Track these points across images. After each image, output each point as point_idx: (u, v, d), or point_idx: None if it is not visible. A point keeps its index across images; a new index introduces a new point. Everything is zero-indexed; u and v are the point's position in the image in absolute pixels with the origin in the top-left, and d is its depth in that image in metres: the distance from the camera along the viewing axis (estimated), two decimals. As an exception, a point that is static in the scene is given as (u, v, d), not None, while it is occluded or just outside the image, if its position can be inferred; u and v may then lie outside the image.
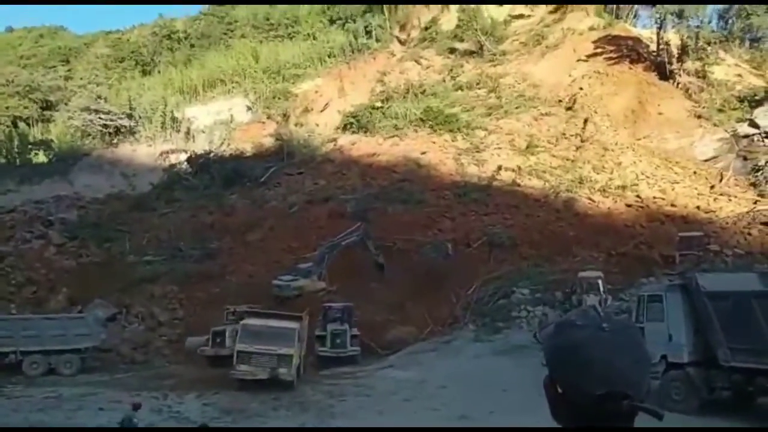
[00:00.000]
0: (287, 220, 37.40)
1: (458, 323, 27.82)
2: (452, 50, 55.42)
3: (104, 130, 56.76)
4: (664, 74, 46.88)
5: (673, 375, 15.70)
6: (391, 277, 30.50)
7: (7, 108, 62.39)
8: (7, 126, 61.29)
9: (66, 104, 61.32)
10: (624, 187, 37.66)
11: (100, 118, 56.54)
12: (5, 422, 16.64)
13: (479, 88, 49.69)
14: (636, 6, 57.13)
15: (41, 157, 56.46)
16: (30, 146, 57.99)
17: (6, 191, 45.94)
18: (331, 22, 69.01)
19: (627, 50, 49.60)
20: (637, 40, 51.48)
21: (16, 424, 16.34)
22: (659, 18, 48.49)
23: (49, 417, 17.26)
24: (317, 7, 72.31)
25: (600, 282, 24.78)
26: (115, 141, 56.83)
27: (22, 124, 61.76)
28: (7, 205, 42.53)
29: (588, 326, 1.47)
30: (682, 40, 47.27)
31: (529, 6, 58.79)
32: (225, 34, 73.88)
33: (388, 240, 32.61)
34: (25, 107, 62.93)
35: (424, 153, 42.46)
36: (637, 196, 36.87)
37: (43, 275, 33.92)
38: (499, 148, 42.18)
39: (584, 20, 54.16)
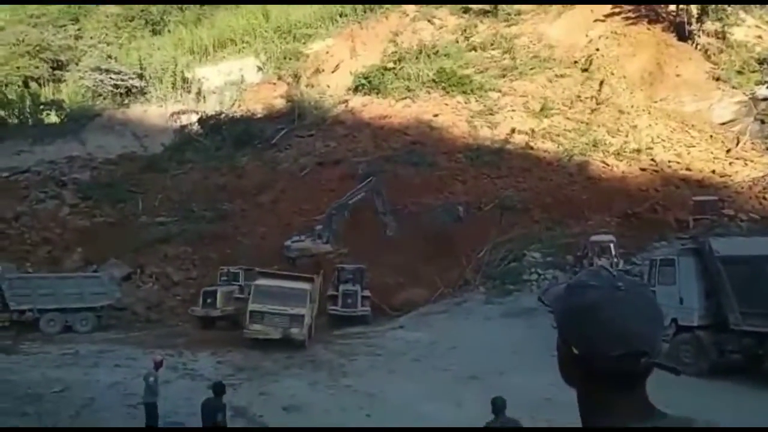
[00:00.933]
0: (298, 182, 37.42)
1: (469, 286, 28.00)
2: (466, 10, 54.25)
3: (115, 90, 56.50)
4: (683, 35, 45.81)
5: (684, 338, 15.79)
6: (402, 239, 30.53)
7: (17, 68, 62.10)
8: (18, 86, 61.11)
9: (77, 64, 60.97)
10: (639, 151, 37.24)
11: (110, 78, 56.22)
12: (24, 378, 17.02)
13: (493, 49, 48.82)
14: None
15: (53, 118, 56.41)
16: (42, 106, 57.89)
17: (19, 152, 46.09)
18: (343, -20, 67.65)
19: (645, 10, 48.38)
20: (656, -1, 50.20)
21: (33, 380, 16.70)
22: (680, -24, 47.17)
23: (66, 373, 17.66)
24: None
25: (612, 246, 24.77)
26: (126, 101, 56.60)
27: (33, 84, 61.56)
28: (21, 166, 42.75)
29: (602, 286, 1.44)
30: None
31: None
32: (235, -8, 72.72)
33: (399, 203, 32.60)
34: (36, 67, 62.57)
35: (436, 115, 42.04)
36: (652, 160, 36.48)
37: (57, 235, 34.31)
38: (513, 111, 41.68)
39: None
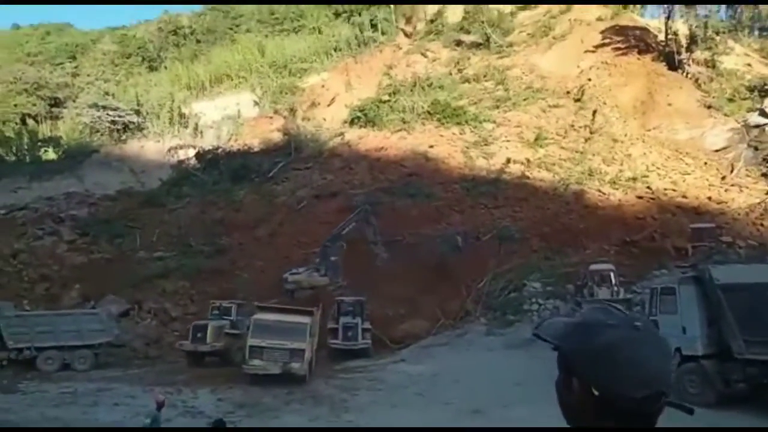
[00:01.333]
0: (296, 215, 37.49)
1: (469, 317, 27.88)
2: (459, 42, 55.22)
3: (112, 126, 56.91)
4: (673, 64, 46.56)
5: (688, 368, 15.65)
6: (401, 270, 30.50)
7: (15, 105, 62.58)
8: (16, 123, 61.54)
9: (74, 101, 61.49)
10: (634, 179, 37.51)
11: (108, 114, 56.67)
12: (22, 417, 16.79)
13: (486, 81, 49.51)
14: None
15: (51, 154, 56.68)
16: (39, 143, 58.23)
17: (17, 188, 46.18)
18: (337, 15, 68.83)
19: (635, 40, 49.26)
20: (645, 30, 51.13)
21: (32, 419, 16.49)
22: (667, 8, 48.13)
23: (64, 412, 17.43)
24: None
25: (612, 274, 24.75)
26: (123, 137, 56.98)
27: (30, 122, 61.96)
28: (18, 203, 42.81)
29: (620, 326, 1.44)
30: (690, 29, 46.90)
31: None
32: (230, 29, 73.82)
33: (396, 234, 32.64)
34: (34, 104, 63.08)
35: (432, 146, 42.38)
36: (648, 188, 36.72)
37: (55, 272, 34.18)
38: (508, 141, 42.05)
39: (591, 10, 53.78)
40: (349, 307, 25.76)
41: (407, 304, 28.93)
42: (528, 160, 39.96)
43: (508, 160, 40.02)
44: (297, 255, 33.09)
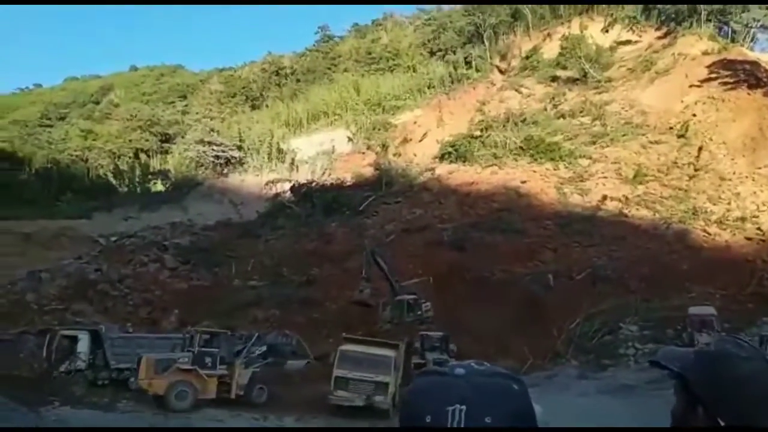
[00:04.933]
0: (384, 248, 37.69)
1: (560, 359, 26.72)
2: (554, 78, 54.38)
3: (216, 161, 60.15)
4: (787, 99, 43.61)
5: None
6: (489, 308, 29.82)
7: (130, 141, 67.63)
8: (130, 157, 66.38)
9: (183, 137, 65.63)
10: (743, 219, 35.10)
11: (212, 149, 60.02)
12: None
13: (583, 116, 48.32)
14: (753, 29, 53.77)
15: (159, 186, 60.61)
16: (150, 176, 62.49)
17: (128, 218, 49.48)
18: (432, 54, 69.96)
19: (744, 75, 46.60)
20: (755, 63, 48.27)
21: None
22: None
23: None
24: (418, 40, 73.63)
25: (714, 320, 23.04)
26: (225, 171, 60.05)
27: (143, 156, 66.66)
28: (128, 230, 45.77)
29: (754, 358, 1.43)
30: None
31: (636, 32, 56.90)
32: (329, 68, 76.71)
33: (485, 270, 32.05)
34: (147, 140, 67.94)
35: (524, 182, 41.65)
36: (758, 229, 34.22)
37: (157, 297, 36.00)
38: (605, 177, 40.64)
39: (696, 44, 51.59)
40: (436, 342, 25.37)
41: (495, 343, 28.13)
42: (626, 198, 38.38)
43: (605, 197, 38.60)
44: (385, 287, 33.15)
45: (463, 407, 1.21)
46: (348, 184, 49.85)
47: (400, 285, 31.63)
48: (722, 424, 1.38)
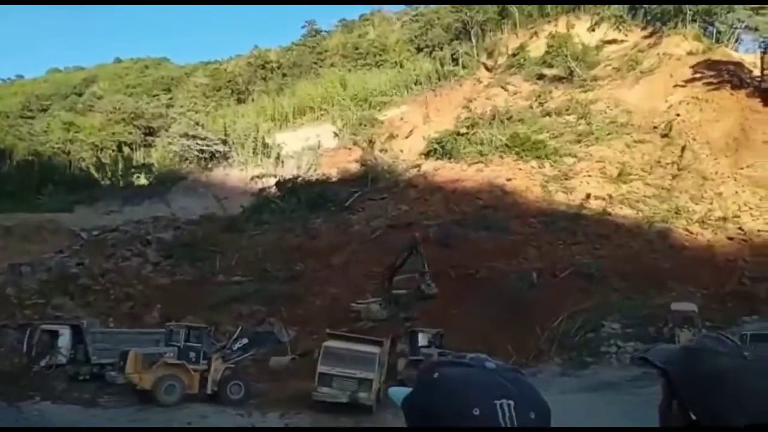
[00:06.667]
0: (370, 245, 37.65)
1: (543, 356, 26.88)
2: (540, 76, 54.56)
3: (200, 155, 59.69)
4: (770, 100, 44.10)
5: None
6: (474, 305, 29.90)
7: (113, 133, 66.90)
8: (113, 150, 65.67)
9: (167, 130, 65.08)
10: (725, 219, 35.48)
11: (197, 143, 59.56)
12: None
13: (568, 114, 48.54)
14: (738, 30, 54.35)
15: (142, 180, 60.05)
16: (133, 169, 61.87)
17: (110, 212, 48.98)
18: (419, 50, 69.95)
19: (728, 75, 47.05)
20: (739, 64, 48.78)
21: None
22: (763, 42, 45.91)
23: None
24: (405, 36, 73.60)
25: (695, 316, 23.32)
26: (209, 165, 59.62)
27: (126, 149, 65.98)
28: (110, 225, 45.29)
29: (730, 354, 1.40)
30: (789, 63, 44.48)
31: (622, 31, 57.24)
32: (315, 63, 76.42)
33: (469, 267, 32.11)
34: (130, 133, 67.24)
35: (509, 180, 41.77)
36: (740, 229, 34.62)
37: (139, 291, 35.70)
38: (589, 176, 40.87)
39: (681, 45, 52.01)
40: (431, 338, 25.25)
41: (479, 340, 28.20)
42: (610, 196, 38.64)
43: (589, 196, 38.83)
44: (369, 284, 33.15)
45: (510, 401, 1.19)
46: (334, 179, 49.71)
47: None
48: (693, 418, 1.39)
